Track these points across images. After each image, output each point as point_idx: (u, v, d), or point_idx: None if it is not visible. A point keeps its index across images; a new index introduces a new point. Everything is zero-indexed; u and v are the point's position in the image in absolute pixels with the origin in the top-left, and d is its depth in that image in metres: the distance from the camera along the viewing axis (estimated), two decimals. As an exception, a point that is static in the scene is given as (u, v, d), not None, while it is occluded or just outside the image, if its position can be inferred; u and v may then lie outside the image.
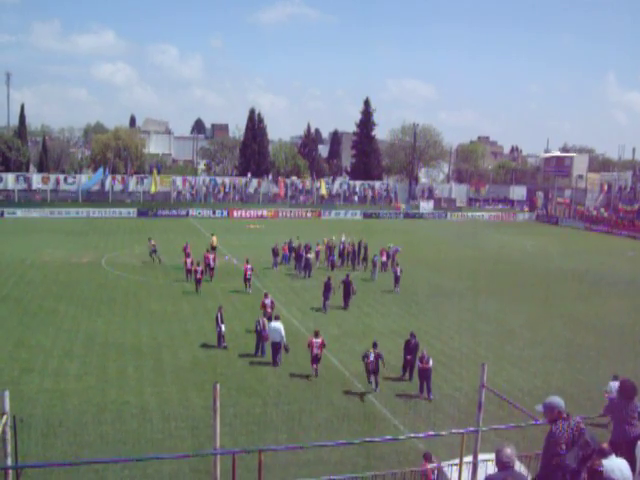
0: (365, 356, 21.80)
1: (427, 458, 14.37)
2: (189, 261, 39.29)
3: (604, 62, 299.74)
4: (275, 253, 44.76)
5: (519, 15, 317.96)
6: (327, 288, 32.97)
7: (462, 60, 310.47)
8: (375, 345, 22.03)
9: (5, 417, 9.24)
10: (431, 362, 21.42)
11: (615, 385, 24.41)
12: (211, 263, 39.99)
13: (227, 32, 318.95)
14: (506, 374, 23.84)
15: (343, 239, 48.01)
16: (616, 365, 24.54)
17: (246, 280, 36.92)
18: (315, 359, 23.05)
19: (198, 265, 37.44)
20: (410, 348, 23.00)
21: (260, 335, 25.44)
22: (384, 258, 44.50)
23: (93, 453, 16.23)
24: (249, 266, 36.87)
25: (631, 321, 33.32)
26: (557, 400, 7.47)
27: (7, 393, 9.38)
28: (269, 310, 28.56)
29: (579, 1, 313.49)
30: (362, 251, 45.74)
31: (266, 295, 29.71)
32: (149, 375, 22.86)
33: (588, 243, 69.18)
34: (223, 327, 26.06)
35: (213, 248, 44.00)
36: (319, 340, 23.04)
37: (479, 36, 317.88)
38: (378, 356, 21.64)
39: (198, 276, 36.57)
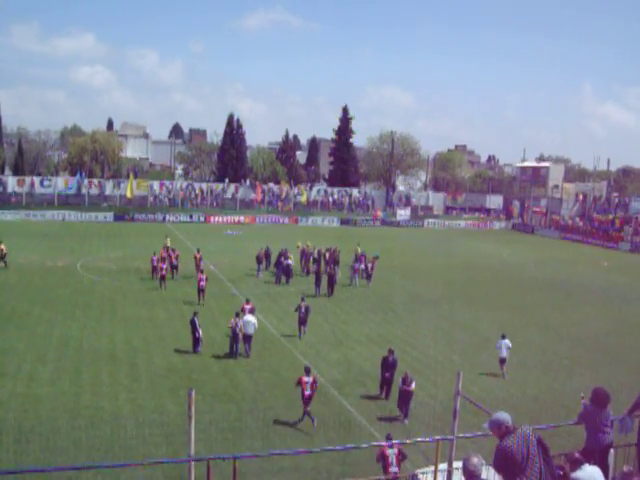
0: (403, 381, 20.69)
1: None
2: (155, 259, 40.85)
3: (581, 73, 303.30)
4: (259, 260, 44.60)
5: (497, 25, 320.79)
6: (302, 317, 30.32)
7: (441, 69, 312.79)
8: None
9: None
10: (414, 385, 20.44)
11: (504, 343, 25.75)
12: (174, 262, 41.77)
13: (208, 37, 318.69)
14: (481, 382, 23.97)
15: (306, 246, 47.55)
16: (590, 373, 24.81)
17: (200, 291, 35.04)
18: (307, 401, 19.65)
19: (163, 262, 39.50)
20: (388, 365, 22.02)
21: (235, 335, 25.78)
22: (363, 265, 44.04)
23: (66, 459, 16.06)
24: (203, 276, 35.37)
25: (605, 330, 33.66)
26: (504, 415, 7.47)
27: (-20, 398, 9.31)
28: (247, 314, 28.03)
29: (557, 12, 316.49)
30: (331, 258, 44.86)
31: (247, 301, 29.39)
32: (124, 381, 22.71)
33: (563, 252, 69.74)
34: (201, 332, 26.00)
35: (167, 248, 43.74)
36: (311, 379, 19.87)
37: (458, 46, 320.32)
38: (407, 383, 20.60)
39: (162, 273, 38.78)
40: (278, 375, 23.80)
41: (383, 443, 15.35)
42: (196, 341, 26.15)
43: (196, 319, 26.07)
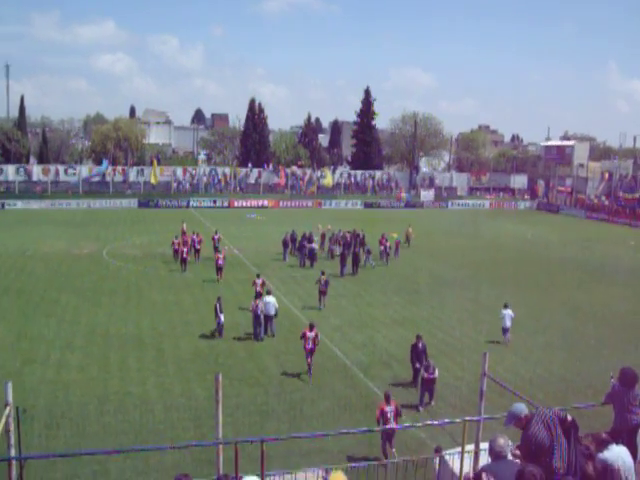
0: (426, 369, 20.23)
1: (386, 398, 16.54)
2: (176, 242, 42.24)
3: (605, 50, 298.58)
4: (285, 244, 44.80)
5: (520, 3, 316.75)
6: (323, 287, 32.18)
7: (463, 48, 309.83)
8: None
9: (8, 408, 9.26)
10: (437, 372, 20.16)
11: (506, 312, 26.82)
12: (196, 245, 42.61)
13: (229, 22, 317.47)
14: (508, 363, 23.87)
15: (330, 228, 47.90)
16: (617, 354, 24.59)
17: (218, 269, 36.96)
18: (309, 353, 22.11)
19: (185, 245, 40.75)
20: (418, 352, 21.26)
21: (257, 317, 26.14)
22: (382, 247, 44.38)
23: (96, 444, 16.26)
24: (221, 255, 37.11)
25: (632, 309, 33.36)
26: (519, 407, 7.43)
27: (10, 384, 9.40)
28: (259, 289, 30.14)
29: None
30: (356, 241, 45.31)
31: (258, 276, 31.67)
32: (151, 366, 22.90)
33: (589, 231, 69.11)
34: (222, 317, 26.13)
35: (183, 233, 44.24)
36: (313, 334, 22.24)
37: (480, 24, 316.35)
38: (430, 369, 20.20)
39: (184, 256, 39.86)
40: (303, 358, 23.81)
41: (405, 426, 15.43)
42: (218, 326, 26.31)
43: (218, 305, 26.20)
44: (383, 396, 17.21)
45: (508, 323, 26.62)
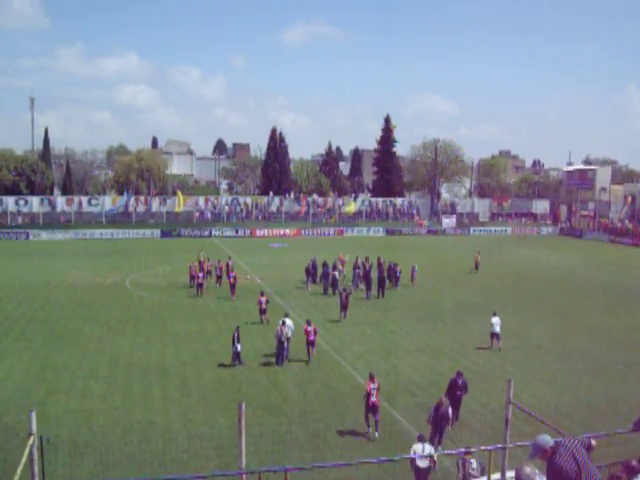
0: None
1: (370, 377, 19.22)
2: (193, 267, 43.64)
3: (625, 72, 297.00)
4: (308, 272, 44.83)
5: (539, 26, 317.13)
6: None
7: (482, 74, 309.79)
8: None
9: (32, 438, 9.27)
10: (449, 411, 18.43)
11: (495, 320, 28.86)
12: (219, 272, 44.37)
13: (250, 52, 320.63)
14: (533, 389, 23.59)
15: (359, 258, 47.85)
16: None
17: (261, 312, 33.99)
18: (311, 344, 26.75)
19: (201, 271, 42.17)
20: (457, 388, 20.39)
21: (280, 343, 26.40)
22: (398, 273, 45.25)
23: (119, 473, 16.23)
24: (263, 298, 33.99)
25: (659, 334, 32.91)
26: (544, 438, 7.29)
27: (34, 414, 9.42)
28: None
29: (599, 11, 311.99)
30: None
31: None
32: (174, 395, 22.88)
33: (613, 256, 68.56)
34: (239, 347, 26.16)
35: (200, 262, 44.83)
36: (312, 328, 26.84)
37: (498, 49, 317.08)
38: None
39: (199, 281, 41.50)
40: (327, 387, 23.76)
41: (429, 454, 15.26)
42: (234, 355, 26.31)
43: (236, 334, 26.25)
44: (368, 376, 19.94)
45: (497, 329, 29.12)
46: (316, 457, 17.33)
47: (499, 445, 11.10)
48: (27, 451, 9.23)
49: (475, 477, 14.28)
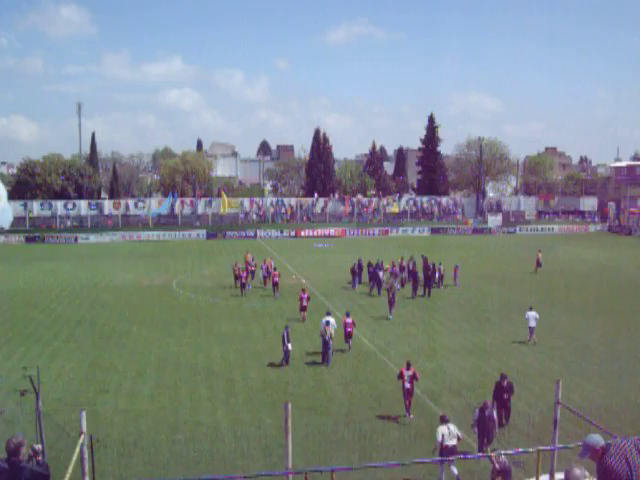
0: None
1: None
2: (237, 268, 44.32)
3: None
4: (354, 272, 44.86)
5: (582, 19, 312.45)
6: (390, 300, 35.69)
7: (526, 71, 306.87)
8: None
9: (82, 437, 9.41)
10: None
11: (531, 314, 29.50)
12: (273, 273, 43.38)
13: (293, 54, 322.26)
14: (582, 390, 23.22)
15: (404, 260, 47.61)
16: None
17: (302, 309, 34.75)
18: (348, 336, 28.21)
19: (242, 270, 43.31)
20: (503, 391, 19.98)
21: (325, 342, 26.49)
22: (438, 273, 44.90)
23: (167, 473, 16.38)
24: (305, 295, 34.81)
25: None
26: (594, 438, 7.12)
27: (84, 414, 9.57)
28: (305, 303, 34.33)
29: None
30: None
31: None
32: (221, 395, 23.02)
33: (664, 254, 67.20)
34: (290, 346, 26.18)
35: (247, 262, 46.32)
36: (350, 320, 28.51)
37: (542, 45, 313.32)
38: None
39: (242, 281, 42.57)
40: (373, 387, 23.70)
41: (476, 456, 15.14)
42: (285, 354, 26.38)
43: (286, 333, 26.28)
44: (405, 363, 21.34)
45: (533, 323, 29.84)
46: (362, 457, 17.28)
47: (548, 447, 10.96)
48: (78, 450, 9.37)
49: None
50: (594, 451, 6.95)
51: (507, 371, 23.09)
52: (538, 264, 52.45)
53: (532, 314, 30.01)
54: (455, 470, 16.22)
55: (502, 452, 14.14)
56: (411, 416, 20.68)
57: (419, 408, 21.54)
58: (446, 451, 16.20)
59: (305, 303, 34.38)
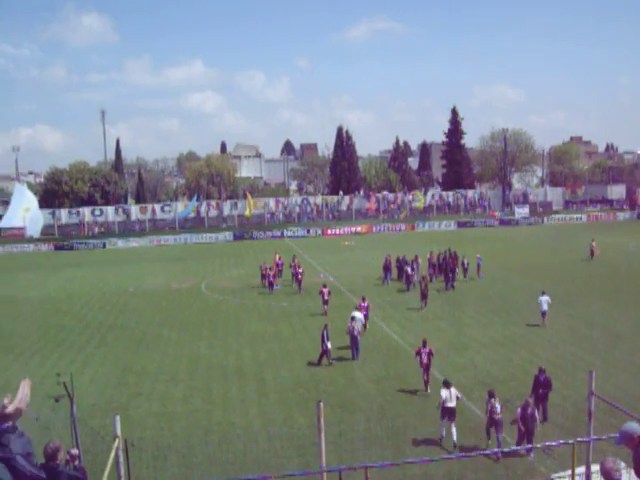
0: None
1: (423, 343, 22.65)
2: (264, 267, 45.19)
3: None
4: (386, 269, 44.86)
5: (602, 4, 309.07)
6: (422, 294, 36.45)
7: (548, 61, 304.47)
8: (492, 394, 18.59)
9: (117, 440, 9.51)
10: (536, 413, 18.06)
11: (544, 299, 30.51)
12: (299, 276, 43.79)
13: (313, 53, 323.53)
14: (616, 380, 22.97)
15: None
16: None
17: (324, 302, 35.81)
18: (365, 317, 29.12)
19: (270, 270, 44.14)
20: (539, 384, 19.76)
21: (353, 338, 26.76)
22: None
23: (202, 474, 16.49)
24: (326, 290, 35.89)
25: None
26: (633, 425, 7.03)
27: (118, 418, 9.66)
28: (326, 297, 35.39)
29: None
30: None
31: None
32: (253, 396, 23.11)
33: (695, 240, 66.32)
34: (329, 344, 26.20)
35: (277, 264, 47.69)
36: (366, 304, 31.04)
37: (564, 32, 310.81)
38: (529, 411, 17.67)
39: (270, 279, 43.25)
40: (405, 382, 23.65)
41: (510, 449, 15.09)
42: (324, 353, 26.37)
43: (325, 332, 26.29)
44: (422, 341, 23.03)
45: (545, 307, 31.03)
46: (396, 454, 17.26)
47: (583, 438, 10.88)
48: (113, 454, 9.47)
49: (498, 418, 17.59)
50: (631, 439, 6.88)
51: (539, 363, 22.96)
52: (592, 253, 53.09)
53: (545, 299, 31.20)
54: (455, 433, 18.17)
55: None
56: (428, 391, 22.28)
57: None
58: (447, 411, 18.48)
59: (327, 297, 35.48)
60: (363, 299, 31.64)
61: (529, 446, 16.35)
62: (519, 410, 17.42)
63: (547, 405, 19.72)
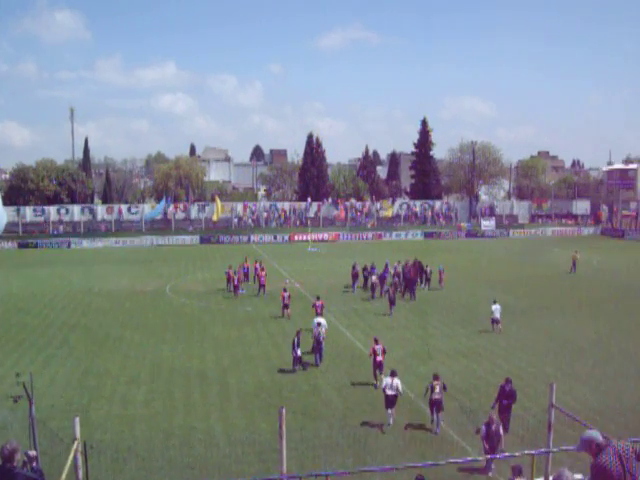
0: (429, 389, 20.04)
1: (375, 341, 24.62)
2: (230, 271, 44.56)
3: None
4: (354, 276, 45.03)
5: (575, 25, 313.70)
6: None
7: (518, 75, 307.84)
8: (436, 377, 20.29)
9: (76, 443, 9.38)
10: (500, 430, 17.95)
11: (496, 307, 32.24)
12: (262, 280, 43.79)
13: (287, 59, 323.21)
14: (576, 393, 23.24)
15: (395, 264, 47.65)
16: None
17: (284, 306, 36.38)
18: (380, 366, 25.24)
19: (235, 274, 43.81)
20: (505, 394, 19.83)
21: (318, 343, 26.94)
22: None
23: (161, 478, 16.37)
24: (286, 294, 36.34)
25: None
26: (592, 433, 7.12)
27: (77, 420, 9.54)
28: (286, 301, 35.83)
29: (635, 9, 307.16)
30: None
31: (318, 298, 34.06)
32: (215, 400, 22.99)
33: (657, 257, 67.34)
34: (299, 351, 26.14)
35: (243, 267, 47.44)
36: (320, 303, 32.00)
37: (535, 49, 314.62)
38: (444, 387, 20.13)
39: (235, 283, 43.24)
40: (367, 391, 23.68)
41: (471, 459, 15.19)
42: (295, 359, 26.30)
43: (296, 339, 26.17)
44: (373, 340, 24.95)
45: (497, 315, 32.69)
46: (357, 462, 17.26)
47: (542, 449, 10.97)
48: (71, 456, 9.35)
49: (436, 398, 19.61)
50: (589, 447, 6.95)
51: (500, 374, 23.16)
52: (574, 266, 53.80)
53: (496, 307, 32.89)
54: (391, 418, 20.43)
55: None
56: (377, 383, 23.69)
57: (413, 412, 21.55)
58: (386, 398, 20.43)
59: (287, 301, 35.93)
60: (317, 298, 33.02)
61: (489, 456, 16.43)
62: (483, 427, 17.16)
63: (510, 416, 19.78)
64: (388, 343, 30.18)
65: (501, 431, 17.23)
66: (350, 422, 20.67)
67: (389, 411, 20.46)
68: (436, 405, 19.74)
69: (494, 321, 32.75)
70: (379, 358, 24.17)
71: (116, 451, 17.85)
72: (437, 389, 19.73)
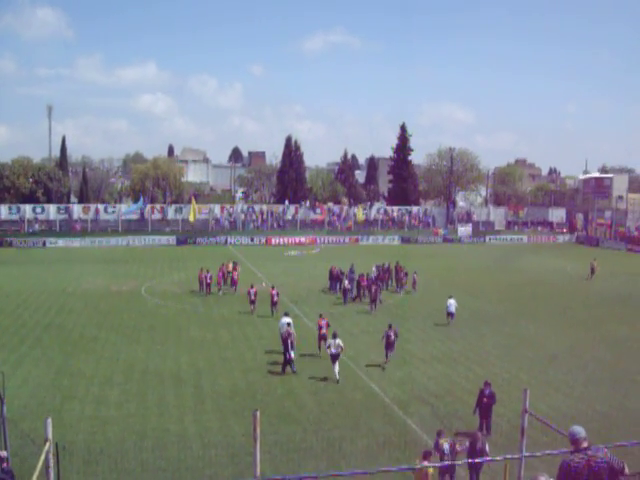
0: None
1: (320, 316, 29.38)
2: (201, 274, 45.51)
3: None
4: (335, 279, 45.56)
5: (555, 34, 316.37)
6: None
7: (498, 83, 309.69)
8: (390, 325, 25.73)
9: (48, 444, 9.30)
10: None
11: (451, 302, 35.22)
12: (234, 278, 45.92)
13: (268, 61, 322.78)
14: (549, 399, 23.42)
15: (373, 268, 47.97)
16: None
17: (250, 302, 38.40)
18: (323, 338, 28.48)
19: (208, 272, 45.19)
20: (483, 397, 19.98)
21: (286, 345, 26.44)
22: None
23: (134, 481, 16.26)
24: (253, 290, 38.47)
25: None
26: (576, 428, 7.20)
27: (50, 420, 9.45)
28: (252, 297, 37.86)
29: (617, 19, 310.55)
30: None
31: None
32: (189, 402, 22.89)
33: (630, 265, 68.02)
34: (292, 353, 26.18)
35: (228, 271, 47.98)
36: (325, 321, 30.11)
37: (515, 57, 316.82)
38: None
39: (207, 281, 44.65)
40: (342, 395, 23.70)
41: (445, 464, 15.25)
42: (287, 361, 26.28)
43: (290, 340, 26.20)
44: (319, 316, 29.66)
45: (452, 309, 35.74)
46: (331, 466, 17.26)
47: (515, 455, 11.03)
48: (43, 457, 9.26)
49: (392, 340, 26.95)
50: (570, 439, 7.05)
51: (474, 379, 23.30)
52: (592, 272, 55.53)
53: (452, 301, 35.98)
54: (337, 372, 25.22)
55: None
56: (321, 352, 28.14)
57: (387, 417, 21.60)
58: (331, 357, 25.41)
59: (253, 297, 38.00)
60: (320, 316, 29.87)
61: (467, 460, 16.43)
62: (467, 445, 16.50)
63: (491, 420, 20.01)
64: (363, 347, 30.40)
65: (487, 449, 16.32)
66: (324, 426, 20.67)
67: (335, 368, 25.19)
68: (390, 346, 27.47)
69: (449, 314, 35.72)
70: (323, 331, 28.46)
71: (88, 453, 17.73)
72: (392, 335, 27.73)
